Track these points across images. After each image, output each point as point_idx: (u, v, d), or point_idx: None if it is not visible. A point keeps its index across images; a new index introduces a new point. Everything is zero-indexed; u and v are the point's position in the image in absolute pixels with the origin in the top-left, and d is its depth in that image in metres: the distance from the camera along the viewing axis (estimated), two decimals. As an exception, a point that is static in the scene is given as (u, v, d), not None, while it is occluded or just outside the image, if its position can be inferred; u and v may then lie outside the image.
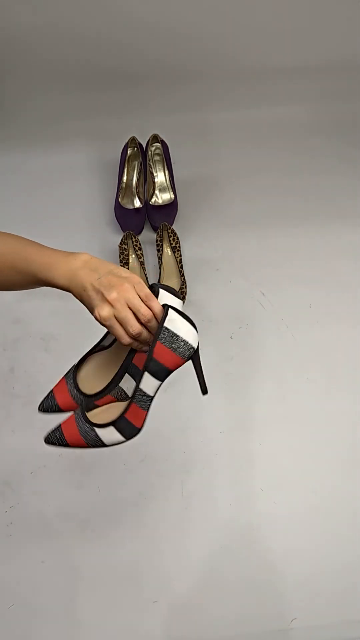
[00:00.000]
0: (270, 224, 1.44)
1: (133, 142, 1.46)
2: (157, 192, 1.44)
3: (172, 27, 1.65)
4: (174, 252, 1.34)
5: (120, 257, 1.33)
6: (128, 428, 0.71)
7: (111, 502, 1.05)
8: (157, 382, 0.68)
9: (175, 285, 1.30)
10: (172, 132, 1.53)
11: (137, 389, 0.69)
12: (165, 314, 0.66)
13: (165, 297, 0.70)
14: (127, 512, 1.04)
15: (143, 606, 0.96)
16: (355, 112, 1.70)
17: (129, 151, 1.46)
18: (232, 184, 1.53)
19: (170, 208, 1.42)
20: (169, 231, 1.33)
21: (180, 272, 1.32)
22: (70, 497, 1.06)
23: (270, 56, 1.72)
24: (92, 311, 0.66)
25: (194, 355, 0.69)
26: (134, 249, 1.33)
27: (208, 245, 1.40)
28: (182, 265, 1.33)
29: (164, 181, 1.45)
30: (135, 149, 1.46)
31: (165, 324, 0.65)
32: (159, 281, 1.30)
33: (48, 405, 0.77)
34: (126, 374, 0.75)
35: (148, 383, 0.68)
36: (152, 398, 0.70)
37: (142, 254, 1.33)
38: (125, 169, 1.46)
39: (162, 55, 1.68)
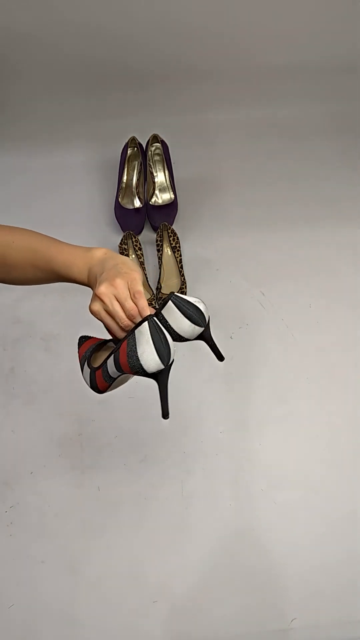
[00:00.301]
0: (271, 223, 1.44)
1: (133, 142, 1.46)
2: (157, 192, 1.45)
3: (173, 28, 1.65)
4: (174, 252, 1.34)
5: (120, 257, 1.33)
6: (93, 382, 0.74)
7: (111, 502, 1.05)
8: (115, 371, 0.69)
9: (175, 286, 1.30)
10: (172, 132, 1.53)
11: (105, 361, 0.71)
12: (139, 324, 0.65)
13: (171, 311, 0.69)
14: (127, 512, 1.04)
15: (143, 606, 0.96)
16: (357, 113, 1.70)
17: (129, 151, 1.46)
18: (232, 184, 1.53)
19: (170, 208, 1.42)
20: (169, 231, 1.33)
21: (180, 272, 1.32)
22: (70, 497, 1.06)
23: (271, 56, 1.72)
24: None
25: (157, 379, 0.67)
26: (134, 249, 1.33)
27: (208, 245, 1.40)
28: (182, 265, 1.33)
29: (164, 181, 1.45)
30: (135, 149, 1.46)
31: (135, 332, 0.65)
32: (158, 281, 1.30)
33: None
34: None
35: (111, 365, 0.69)
36: (113, 379, 0.71)
37: (142, 254, 1.33)
38: (125, 169, 1.46)
39: (162, 56, 1.68)
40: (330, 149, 1.61)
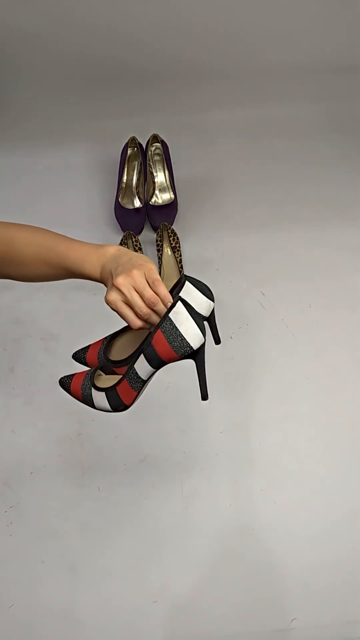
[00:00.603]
0: (271, 223, 1.44)
1: (133, 142, 1.46)
2: (157, 192, 1.45)
3: (173, 28, 1.65)
4: (174, 252, 1.34)
5: (120, 257, 1.33)
6: (115, 400, 0.73)
7: (111, 502, 1.05)
8: (151, 368, 0.69)
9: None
10: (172, 132, 1.53)
11: (131, 367, 0.70)
12: (173, 305, 0.66)
13: (190, 290, 0.70)
14: (127, 512, 1.04)
15: (143, 606, 0.96)
16: (357, 113, 1.70)
17: (129, 151, 1.46)
18: (232, 184, 1.53)
19: (170, 208, 1.42)
20: (169, 231, 1.33)
21: (180, 272, 1.32)
22: (70, 497, 1.06)
23: (271, 56, 1.72)
24: None
25: (196, 357, 0.68)
26: (134, 249, 1.33)
27: (208, 245, 1.40)
28: (182, 265, 1.33)
29: (164, 181, 1.45)
30: (135, 149, 1.46)
31: (170, 315, 0.66)
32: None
33: (79, 356, 0.84)
34: None
35: (142, 366, 0.69)
36: (144, 382, 0.70)
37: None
38: (125, 169, 1.46)
39: (162, 56, 1.69)
40: (330, 149, 1.61)
